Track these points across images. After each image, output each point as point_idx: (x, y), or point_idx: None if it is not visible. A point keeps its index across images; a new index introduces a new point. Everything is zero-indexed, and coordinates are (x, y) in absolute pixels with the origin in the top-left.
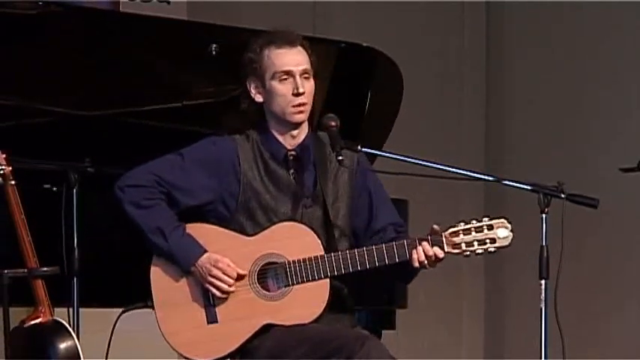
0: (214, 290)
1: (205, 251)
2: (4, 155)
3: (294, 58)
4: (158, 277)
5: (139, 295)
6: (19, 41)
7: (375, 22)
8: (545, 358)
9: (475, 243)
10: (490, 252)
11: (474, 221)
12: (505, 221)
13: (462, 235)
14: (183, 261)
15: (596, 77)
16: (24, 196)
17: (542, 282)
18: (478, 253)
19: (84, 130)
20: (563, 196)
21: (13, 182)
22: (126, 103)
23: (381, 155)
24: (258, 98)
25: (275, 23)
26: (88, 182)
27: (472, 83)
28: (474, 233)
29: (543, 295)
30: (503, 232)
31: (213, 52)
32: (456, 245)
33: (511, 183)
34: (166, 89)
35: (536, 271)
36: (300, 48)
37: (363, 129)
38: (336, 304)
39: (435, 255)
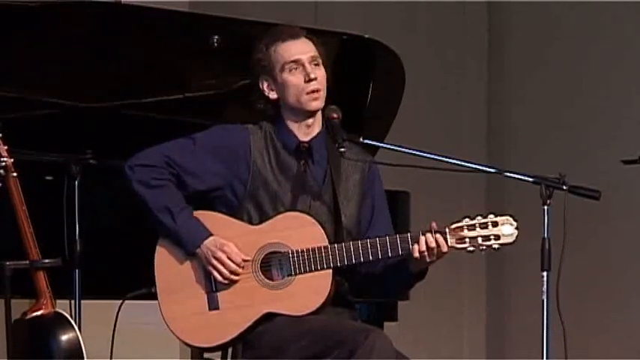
0: (216, 274)
1: (211, 234)
2: (5, 147)
3: (300, 48)
4: (162, 260)
5: (141, 287)
6: (21, 33)
7: (376, 22)
8: (547, 349)
9: (479, 239)
10: (494, 249)
11: (479, 217)
12: (511, 218)
13: (466, 231)
14: (189, 242)
15: (598, 69)
16: (26, 187)
17: (544, 274)
18: (482, 250)
19: (85, 122)
20: (565, 187)
21: (14, 174)
22: (127, 94)
23: (382, 147)
24: (272, 95)
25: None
26: (89, 174)
27: (474, 75)
28: (478, 229)
29: (545, 287)
30: (508, 229)
31: (215, 44)
32: (460, 240)
33: (513, 175)
34: (168, 81)
35: (538, 263)
36: (305, 39)
37: (365, 121)
38: (337, 299)
39: (438, 245)
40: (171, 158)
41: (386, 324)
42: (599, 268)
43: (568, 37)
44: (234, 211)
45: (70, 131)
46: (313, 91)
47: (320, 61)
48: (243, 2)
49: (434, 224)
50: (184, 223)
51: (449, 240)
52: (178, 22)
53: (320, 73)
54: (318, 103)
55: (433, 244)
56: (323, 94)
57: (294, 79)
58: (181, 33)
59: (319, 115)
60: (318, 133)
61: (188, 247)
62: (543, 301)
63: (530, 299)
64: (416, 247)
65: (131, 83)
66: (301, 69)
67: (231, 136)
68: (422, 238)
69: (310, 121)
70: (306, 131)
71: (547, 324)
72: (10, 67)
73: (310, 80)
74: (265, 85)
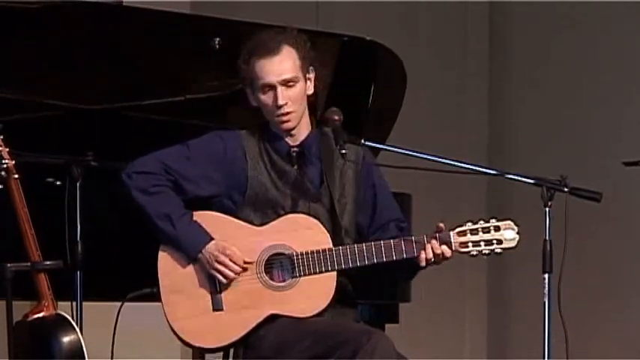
0: (220, 277)
1: (212, 239)
2: (7, 149)
3: (274, 69)
4: (165, 262)
5: (142, 288)
6: (22, 35)
7: (377, 22)
8: (548, 351)
9: (482, 243)
10: (496, 253)
11: (482, 222)
12: (512, 223)
13: (469, 235)
14: (190, 248)
15: (599, 70)
16: (27, 189)
17: (546, 276)
18: (485, 254)
19: (87, 124)
20: (566, 189)
21: (16, 176)
22: (129, 96)
23: (383, 149)
24: (253, 103)
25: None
26: (91, 176)
27: (475, 77)
28: (481, 233)
29: (546, 289)
30: (510, 234)
31: (216, 46)
32: (463, 244)
33: (514, 177)
34: (169, 83)
35: (539, 264)
36: (283, 54)
37: (367, 123)
38: (340, 299)
39: (443, 253)
40: (168, 165)
41: (387, 326)
42: (601, 270)
43: (569, 38)
44: (233, 216)
45: (72, 133)
46: (283, 114)
47: (297, 79)
48: (244, 3)
49: (441, 225)
50: (184, 229)
51: (453, 246)
52: (179, 24)
53: (293, 94)
54: (288, 125)
55: (439, 251)
56: (296, 114)
57: (266, 99)
58: (182, 35)
59: (305, 119)
60: (307, 135)
61: (189, 252)
62: (545, 303)
63: (532, 301)
64: (422, 255)
65: (132, 85)
66: (273, 92)
67: (226, 143)
68: (428, 246)
69: (293, 130)
70: (294, 139)
71: (548, 327)
72: (10, 68)
73: (279, 107)
74: (248, 92)
